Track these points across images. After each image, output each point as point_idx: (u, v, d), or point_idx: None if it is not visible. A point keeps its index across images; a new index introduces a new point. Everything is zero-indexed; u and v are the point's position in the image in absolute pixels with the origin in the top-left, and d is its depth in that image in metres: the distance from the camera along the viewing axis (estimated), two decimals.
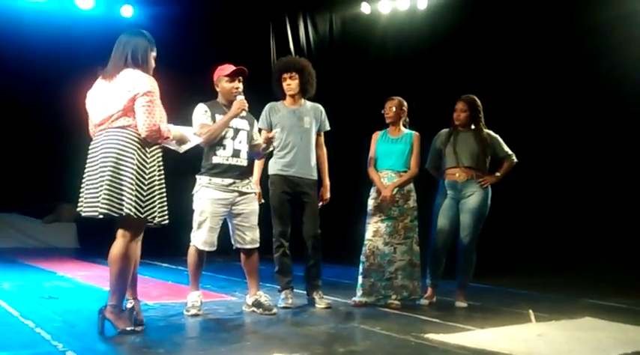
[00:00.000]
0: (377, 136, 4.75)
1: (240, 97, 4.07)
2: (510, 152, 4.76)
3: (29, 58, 8.67)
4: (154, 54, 3.47)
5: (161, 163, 3.42)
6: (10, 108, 9.18)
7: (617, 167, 6.18)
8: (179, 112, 3.77)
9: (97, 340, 3.20)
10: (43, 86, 8.59)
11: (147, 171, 3.30)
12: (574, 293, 5.20)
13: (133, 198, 3.22)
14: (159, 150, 3.41)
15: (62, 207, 9.59)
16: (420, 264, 4.59)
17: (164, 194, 3.40)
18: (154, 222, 3.35)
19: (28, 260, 7.64)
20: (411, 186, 4.62)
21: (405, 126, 4.75)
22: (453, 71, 7.06)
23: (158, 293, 5.05)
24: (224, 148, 4.07)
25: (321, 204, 4.60)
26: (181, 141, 3.56)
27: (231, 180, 4.07)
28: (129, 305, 3.44)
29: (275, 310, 4.11)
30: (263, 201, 4.42)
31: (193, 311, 3.97)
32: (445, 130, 4.82)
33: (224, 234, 4.13)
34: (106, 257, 3.35)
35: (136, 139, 3.28)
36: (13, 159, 9.47)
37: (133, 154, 3.25)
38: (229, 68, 4.14)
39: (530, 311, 4.01)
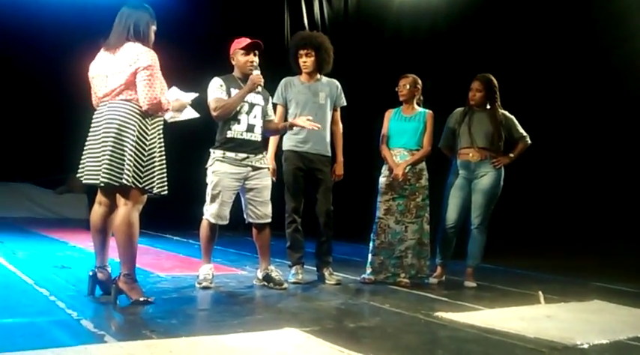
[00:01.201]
0: (390, 114, 4.73)
1: (256, 72, 4.05)
2: (525, 133, 4.72)
3: (41, 29, 8.69)
4: (154, 28, 3.51)
5: (162, 135, 3.48)
6: (23, 81, 9.23)
7: (630, 151, 6.13)
8: (192, 86, 3.77)
9: (110, 310, 3.24)
10: (55, 58, 8.59)
11: (147, 143, 3.36)
12: (583, 275, 5.20)
13: (132, 168, 3.28)
14: (160, 122, 3.48)
15: (74, 179, 9.61)
16: (430, 243, 4.60)
17: (164, 165, 3.46)
18: (153, 192, 3.40)
19: (40, 230, 7.75)
20: (423, 164, 4.61)
21: (419, 104, 4.72)
22: (470, 50, 6.97)
23: (170, 265, 5.11)
24: (239, 123, 4.07)
25: (334, 179, 4.59)
26: (180, 109, 3.60)
27: (244, 155, 4.07)
28: (99, 275, 3.48)
29: (285, 285, 4.14)
30: (274, 179, 4.42)
31: (205, 284, 4.01)
32: (460, 109, 4.78)
33: (233, 209, 4.15)
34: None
35: (138, 111, 3.34)
36: (26, 130, 9.55)
37: (134, 126, 3.31)
38: (245, 41, 4.12)
39: (540, 292, 4.02)
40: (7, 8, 8.40)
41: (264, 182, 4.16)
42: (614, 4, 5.98)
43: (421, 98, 4.73)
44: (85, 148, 3.43)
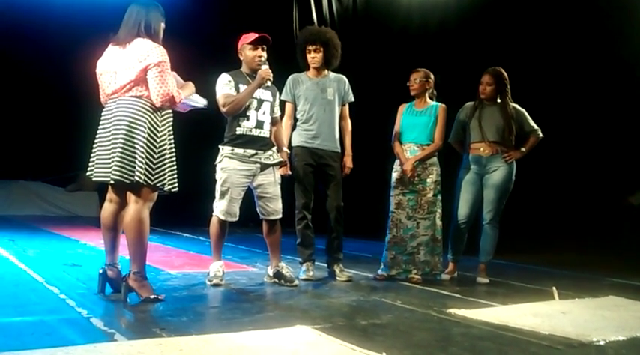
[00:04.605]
0: (402, 108, 4.68)
1: (265, 67, 4.02)
2: (536, 127, 4.66)
3: (49, 28, 8.73)
4: (163, 25, 3.50)
5: (172, 131, 3.46)
6: (32, 79, 9.27)
7: None
8: (200, 83, 3.74)
9: (120, 307, 3.23)
10: (63, 56, 8.61)
11: (158, 139, 3.34)
12: (597, 271, 5.14)
13: (144, 166, 3.26)
14: (169, 118, 3.45)
15: (84, 176, 9.65)
16: (442, 239, 4.56)
17: (174, 161, 3.44)
18: (164, 189, 3.38)
19: (51, 228, 7.77)
20: (435, 159, 4.56)
21: (432, 98, 4.67)
22: (479, 43, 6.92)
23: (180, 262, 5.10)
24: (248, 119, 4.04)
25: (344, 173, 4.54)
26: (189, 94, 3.58)
27: (253, 151, 4.05)
28: (110, 273, 3.49)
29: (296, 282, 4.12)
30: (290, 172, 4.38)
31: (215, 281, 3.99)
32: (470, 103, 4.73)
33: (244, 206, 4.12)
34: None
35: (149, 108, 3.32)
36: (37, 128, 9.59)
37: (145, 122, 3.29)
38: (253, 36, 4.09)
39: (554, 288, 3.97)
40: (15, 7, 8.42)
41: (273, 178, 4.13)
42: None
43: (434, 92, 4.68)
44: (94, 145, 3.41)
